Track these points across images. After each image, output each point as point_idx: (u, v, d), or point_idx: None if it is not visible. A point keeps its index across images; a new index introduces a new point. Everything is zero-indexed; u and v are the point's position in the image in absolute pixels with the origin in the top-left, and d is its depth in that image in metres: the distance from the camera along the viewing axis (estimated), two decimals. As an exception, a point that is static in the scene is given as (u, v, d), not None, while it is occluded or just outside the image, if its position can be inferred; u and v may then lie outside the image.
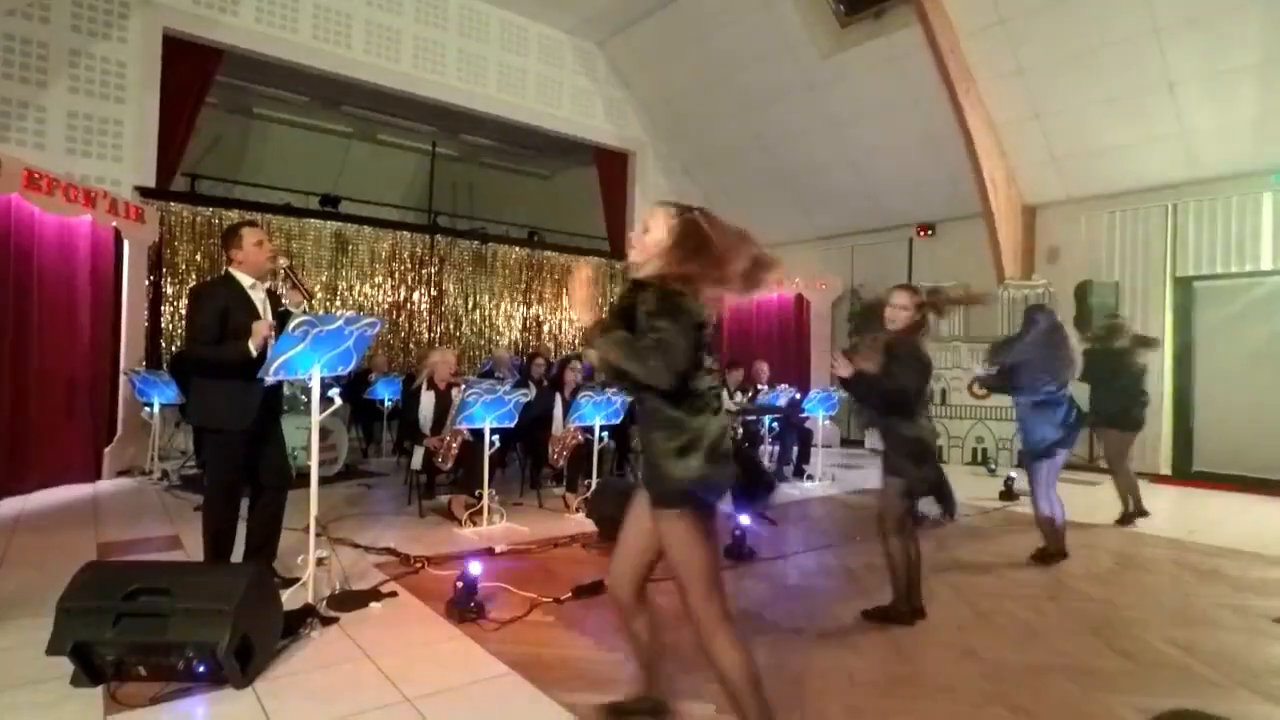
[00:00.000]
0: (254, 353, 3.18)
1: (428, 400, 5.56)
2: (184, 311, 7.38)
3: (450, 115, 10.57)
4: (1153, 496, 5.43)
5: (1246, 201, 7.44)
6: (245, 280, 3.40)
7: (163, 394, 6.45)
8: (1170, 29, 6.86)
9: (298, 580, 3.26)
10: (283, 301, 3.61)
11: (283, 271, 3.64)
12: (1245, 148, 7.24)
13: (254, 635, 2.53)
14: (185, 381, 5.50)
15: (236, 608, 2.42)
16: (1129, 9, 6.92)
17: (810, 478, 7.34)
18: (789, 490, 6.89)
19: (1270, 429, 7.29)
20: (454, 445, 5.23)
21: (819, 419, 7.32)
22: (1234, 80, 6.87)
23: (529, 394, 5.47)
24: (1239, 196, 7.47)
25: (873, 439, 7.21)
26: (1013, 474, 6.80)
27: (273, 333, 3.21)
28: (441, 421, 5.44)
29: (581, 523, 5.09)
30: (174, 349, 7.77)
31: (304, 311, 3.35)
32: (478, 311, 10.48)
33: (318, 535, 3.30)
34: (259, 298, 3.42)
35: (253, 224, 3.57)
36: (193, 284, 7.66)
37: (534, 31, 10.53)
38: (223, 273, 3.52)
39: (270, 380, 3.24)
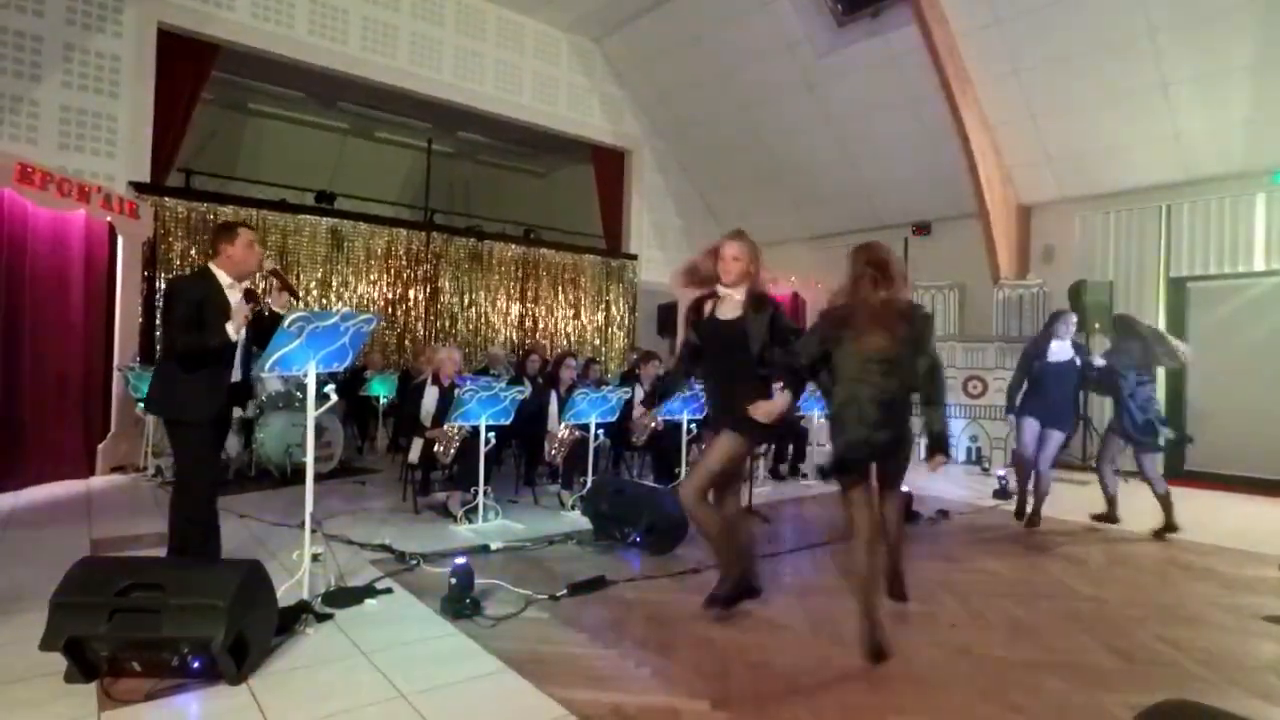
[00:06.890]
0: (232, 335, 3.20)
1: (431, 395, 5.55)
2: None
3: (446, 112, 10.54)
4: (1146, 496, 5.44)
5: (1240, 203, 7.47)
6: (224, 279, 3.35)
7: (156, 390, 6.41)
8: (1165, 30, 6.89)
9: None
10: (268, 303, 3.57)
11: (269, 274, 3.60)
12: (1239, 149, 7.28)
13: (249, 631, 2.53)
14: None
15: (231, 603, 2.41)
16: (1124, 10, 6.95)
17: (804, 476, 7.36)
18: (784, 488, 6.91)
19: (1262, 429, 7.33)
20: (455, 437, 5.22)
21: (813, 417, 7.32)
22: (1228, 81, 6.91)
23: (525, 391, 5.46)
24: (1232, 198, 7.50)
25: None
26: (1003, 473, 6.82)
27: (248, 318, 3.25)
28: (443, 417, 5.44)
29: (577, 520, 5.10)
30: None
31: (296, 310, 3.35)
32: (473, 309, 10.46)
33: (313, 532, 3.30)
34: (235, 298, 3.36)
35: (249, 226, 3.56)
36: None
37: (531, 29, 10.51)
38: (199, 268, 3.44)
39: (239, 375, 3.27)
